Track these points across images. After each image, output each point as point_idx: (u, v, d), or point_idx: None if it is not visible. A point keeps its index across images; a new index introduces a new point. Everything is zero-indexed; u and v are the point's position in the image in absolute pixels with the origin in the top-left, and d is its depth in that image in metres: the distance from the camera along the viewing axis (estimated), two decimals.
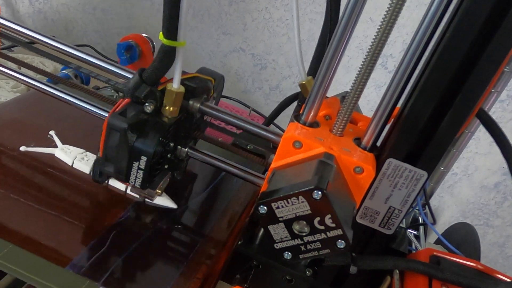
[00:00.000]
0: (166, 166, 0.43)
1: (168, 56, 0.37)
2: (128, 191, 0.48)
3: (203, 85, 0.44)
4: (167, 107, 0.40)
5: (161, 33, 0.36)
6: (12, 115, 0.56)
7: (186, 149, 0.44)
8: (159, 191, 0.43)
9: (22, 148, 0.49)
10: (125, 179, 0.40)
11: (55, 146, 0.50)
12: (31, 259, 0.37)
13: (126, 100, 0.39)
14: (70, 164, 0.49)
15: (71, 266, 0.37)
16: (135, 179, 0.39)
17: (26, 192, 0.44)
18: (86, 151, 0.51)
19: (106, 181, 0.45)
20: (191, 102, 0.42)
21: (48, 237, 0.40)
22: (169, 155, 0.43)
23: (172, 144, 0.42)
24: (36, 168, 0.48)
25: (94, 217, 0.44)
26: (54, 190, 0.46)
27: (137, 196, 0.48)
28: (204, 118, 0.50)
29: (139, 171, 0.39)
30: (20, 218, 0.41)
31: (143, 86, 0.38)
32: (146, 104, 0.38)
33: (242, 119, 0.43)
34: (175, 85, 0.39)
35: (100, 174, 0.41)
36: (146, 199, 0.48)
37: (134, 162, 0.38)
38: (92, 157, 0.50)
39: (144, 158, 0.38)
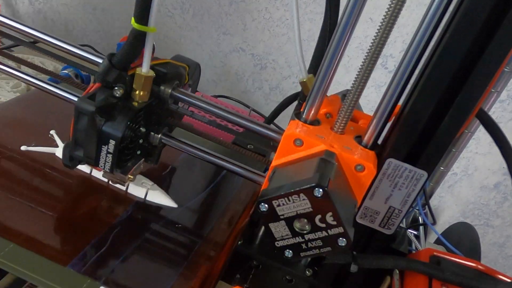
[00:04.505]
0: (138, 152, 0.43)
1: (138, 40, 0.37)
2: (129, 191, 0.48)
3: (174, 71, 0.44)
4: (136, 92, 0.40)
5: (133, 18, 0.36)
6: (12, 115, 0.56)
7: (159, 136, 0.45)
8: (131, 177, 0.43)
9: (23, 148, 0.49)
10: (94, 163, 0.40)
11: (56, 146, 0.50)
12: (32, 258, 0.37)
13: (97, 85, 0.39)
14: None
15: (72, 265, 0.37)
16: (105, 163, 0.40)
17: (27, 191, 0.44)
18: None
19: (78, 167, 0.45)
20: (162, 88, 0.43)
21: (49, 236, 0.40)
22: (141, 141, 0.43)
23: (143, 130, 0.42)
24: (37, 168, 0.48)
25: (95, 216, 0.44)
26: (55, 189, 0.46)
27: (138, 195, 0.48)
28: (188, 108, 0.49)
29: (108, 155, 0.39)
30: (21, 217, 0.41)
31: (113, 71, 0.38)
32: (116, 88, 0.38)
33: (227, 111, 0.43)
34: (144, 69, 0.39)
35: (71, 158, 0.41)
36: (147, 199, 0.48)
37: (103, 146, 0.38)
38: None
39: (112, 142, 0.38)
